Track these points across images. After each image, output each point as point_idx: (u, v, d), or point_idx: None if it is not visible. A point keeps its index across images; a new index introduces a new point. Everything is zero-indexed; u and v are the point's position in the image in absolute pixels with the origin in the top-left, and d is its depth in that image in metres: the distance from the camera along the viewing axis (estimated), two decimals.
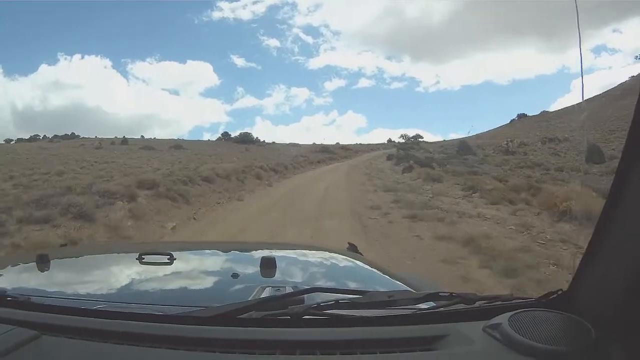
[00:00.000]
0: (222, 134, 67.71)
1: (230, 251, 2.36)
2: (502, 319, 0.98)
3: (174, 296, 1.48)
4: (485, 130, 71.86)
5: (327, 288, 1.31)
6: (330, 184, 20.01)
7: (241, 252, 2.35)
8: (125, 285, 1.58)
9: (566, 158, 37.81)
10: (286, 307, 1.08)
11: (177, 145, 50.40)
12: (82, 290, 1.52)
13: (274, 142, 68.25)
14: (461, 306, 1.14)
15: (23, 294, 1.19)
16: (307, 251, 2.39)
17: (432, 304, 1.19)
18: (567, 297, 1.06)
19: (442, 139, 69.33)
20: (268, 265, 1.56)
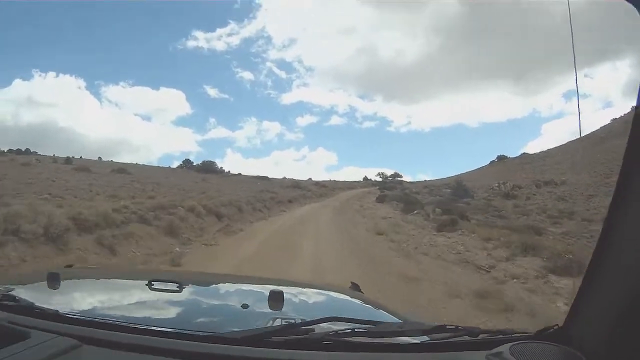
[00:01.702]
0: (183, 161, 62.01)
1: (237, 284, 2.40)
2: (504, 348, 1.04)
3: (185, 321, 1.48)
4: (464, 172, 68.49)
5: (344, 318, 1.25)
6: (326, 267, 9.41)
7: (249, 285, 2.34)
8: (132, 309, 1.59)
9: (576, 204, 33.12)
10: (307, 334, 1.12)
11: (120, 169, 43.17)
12: (97, 308, 1.56)
13: (240, 174, 60.91)
14: (465, 338, 1.17)
15: (50, 308, 1.23)
16: (312, 290, 2.36)
17: (439, 336, 1.19)
18: (562, 331, 1.12)
19: (416, 179, 65.53)
20: (276, 299, 1.54)
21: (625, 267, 0.95)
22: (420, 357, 1.09)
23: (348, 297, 2.08)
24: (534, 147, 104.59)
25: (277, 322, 1.31)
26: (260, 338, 1.09)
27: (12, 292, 1.40)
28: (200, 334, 1.13)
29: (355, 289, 2.34)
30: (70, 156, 47.73)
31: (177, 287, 1.67)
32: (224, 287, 2.28)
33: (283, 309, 1.53)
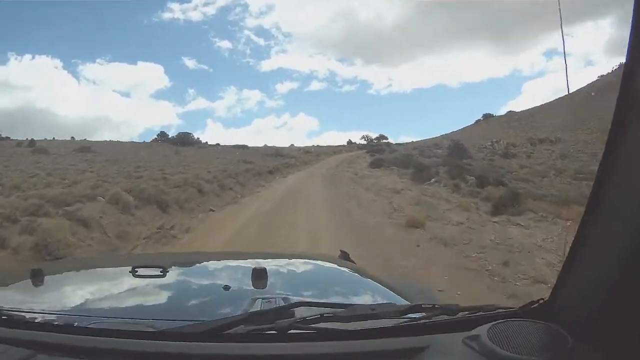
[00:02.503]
0: (157, 135, 58.00)
1: (222, 262, 2.29)
2: (482, 330, 0.98)
3: (166, 310, 1.44)
4: (450, 131, 66.08)
5: (312, 302, 1.22)
6: None
7: (235, 263, 2.24)
8: (118, 299, 1.55)
9: (585, 161, 30.98)
10: (273, 322, 1.05)
11: (84, 147, 39.01)
12: (76, 305, 1.50)
13: (218, 144, 56.68)
14: (443, 317, 1.13)
15: (18, 311, 1.18)
16: (299, 260, 2.33)
17: (415, 316, 1.16)
18: (547, 307, 1.07)
19: (399, 141, 63.16)
20: (259, 277, 1.53)
21: (613, 238, 0.89)
22: (392, 343, 1.00)
23: (337, 268, 2.05)
24: (515, 105, 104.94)
25: (258, 304, 1.28)
26: (219, 331, 1.02)
27: None
28: (155, 330, 1.06)
29: (344, 257, 2.32)
30: (44, 138, 46.11)
31: (161, 272, 1.62)
32: (208, 267, 2.18)
33: (267, 287, 1.51)
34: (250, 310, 1.21)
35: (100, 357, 0.96)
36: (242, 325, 1.04)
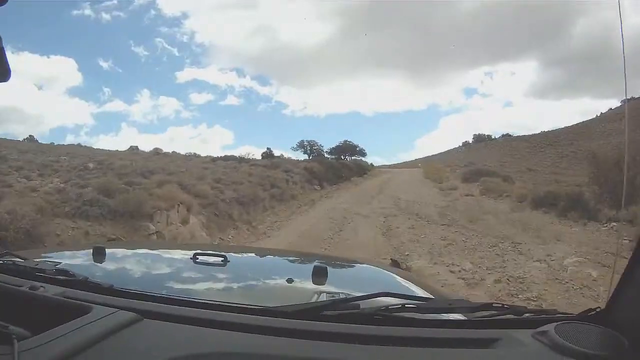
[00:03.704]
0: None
1: (282, 257, 2.39)
2: (549, 327, 1.04)
3: (231, 295, 1.48)
4: (431, 154, 63.24)
5: (395, 293, 1.25)
6: None
7: (292, 260, 2.35)
8: (182, 281, 1.58)
9: None
10: (358, 308, 1.12)
11: None
12: (146, 282, 1.57)
13: (79, 145, 43.89)
14: (511, 316, 1.18)
15: (104, 281, 1.23)
16: (355, 264, 2.39)
17: (485, 313, 1.21)
18: (605, 313, 1.12)
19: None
20: (320, 274, 1.55)
21: None
22: (467, 333, 1.09)
23: (390, 274, 2.05)
24: (430, 139, 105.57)
25: (323, 297, 1.33)
26: (315, 312, 1.11)
27: (63, 266, 1.39)
28: (257, 307, 1.13)
29: (395, 265, 2.46)
30: None
31: (222, 261, 1.67)
32: (268, 261, 2.26)
33: (327, 285, 1.53)
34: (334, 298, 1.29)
35: (203, 325, 0.99)
36: (331, 310, 1.11)
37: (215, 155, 31.50)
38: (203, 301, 1.15)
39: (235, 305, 1.14)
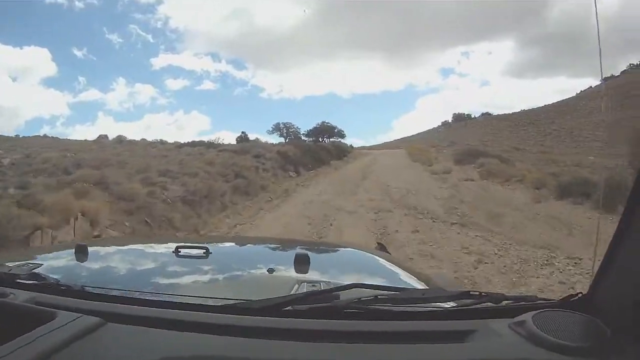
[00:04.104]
0: None
1: (264, 246, 2.37)
2: (526, 317, 1.00)
3: (212, 289, 1.47)
4: (410, 135, 61.44)
5: (366, 284, 1.22)
6: None
7: (275, 248, 2.31)
8: (164, 277, 1.58)
9: None
10: (329, 301, 1.09)
11: None
12: (126, 281, 1.52)
13: (45, 136, 40.27)
14: (488, 305, 1.16)
15: (75, 283, 1.20)
16: (339, 249, 2.38)
17: (461, 302, 1.19)
18: (586, 300, 1.08)
19: None
20: (302, 262, 1.52)
21: None
22: (442, 325, 1.05)
23: (375, 258, 2.01)
24: (408, 120, 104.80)
25: (303, 287, 1.29)
26: (280, 307, 1.06)
27: (39, 269, 1.35)
28: (219, 304, 1.10)
29: (381, 249, 2.34)
30: None
31: (204, 253, 1.64)
32: (251, 250, 2.22)
33: (309, 273, 1.50)
34: (296, 292, 1.24)
35: (165, 326, 0.96)
36: (299, 304, 1.07)
37: (188, 141, 28.82)
38: (168, 300, 1.13)
39: (200, 303, 1.10)
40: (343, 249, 2.35)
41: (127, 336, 0.93)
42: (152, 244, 2.25)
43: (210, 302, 1.12)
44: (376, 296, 1.10)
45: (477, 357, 0.94)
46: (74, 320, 0.92)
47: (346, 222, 9.82)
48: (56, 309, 0.97)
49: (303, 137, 41.49)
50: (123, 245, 2.32)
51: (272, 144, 30.32)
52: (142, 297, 1.16)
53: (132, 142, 30.50)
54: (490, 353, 0.95)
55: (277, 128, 43.50)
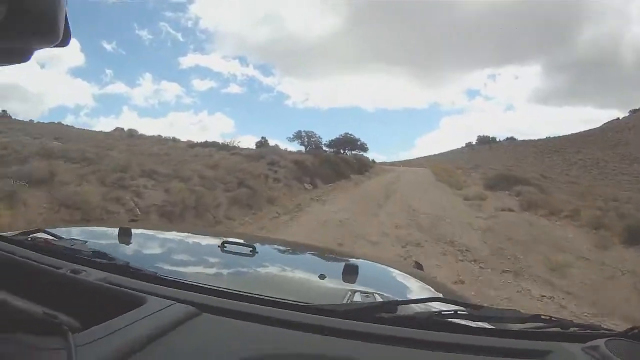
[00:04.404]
0: None
1: (311, 252, 2.32)
2: (599, 342, 1.00)
3: (261, 288, 1.33)
4: (432, 154, 60.02)
5: (447, 299, 1.30)
6: None
7: (321, 255, 2.26)
8: (210, 271, 1.54)
9: None
10: (412, 312, 1.11)
11: None
12: (186, 272, 1.46)
13: (60, 123, 37.80)
14: (558, 329, 1.16)
15: (149, 268, 1.20)
16: (384, 266, 2.25)
17: (533, 324, 1.18)
18: None
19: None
20: (351, 272, 1.53)
21: None
22: (519, 344, 1.03)
23: (416, 278, 1.93)
24: (431, 138, 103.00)
25: (357, 297, 1.28)
26: (367, 313, 1.07)
27: (98, 248, 1.30)
28: (313, 305, 1.07)
29: (418, 268, 2.32)
30: None
31: (250, 251, 1.62)
32: (296, 254, 2.22)
33: (356, 283, 1.47)
34: (351, 301, 1.24)
35: (259, 321, 0.95)
36: (385, 312, 1.08)
37: (201, 141, 27.16)
38: (256, 296, 1.09)
39: (292, 302, 1.08)
40: (386, 266, 2.20)
41: (223, 328, 0.92)
42: (196, 235, 2.24)
43: (300, 303, 1.08)
44: (456, 311, 1.12)
45: None
46: (168, 307, 0.90)
47: (367, 256, 7.82)
48: (144, 294, 0.95)
49: (324, 148, 40.14)
50: (165, 232, 2.27)
51: (291, 151, 28.62)
52: (229, 290, 1.12)
53: (143, 137, 28.92)
54: None
55: (298, 136, 41.76)
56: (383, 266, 2.19)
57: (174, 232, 2.28)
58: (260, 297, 1.09)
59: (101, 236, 1.82)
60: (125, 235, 1.61)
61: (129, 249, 1.59)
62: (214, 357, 0.83)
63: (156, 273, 1.15)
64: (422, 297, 1.21)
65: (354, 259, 2.05)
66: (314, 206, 14.00)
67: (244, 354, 0.82)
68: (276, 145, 31.03)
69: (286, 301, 1.09)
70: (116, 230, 1.65)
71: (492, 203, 15.79)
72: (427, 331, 1.02)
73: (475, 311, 1.16)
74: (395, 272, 2.03)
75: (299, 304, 1.08)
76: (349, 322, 1.00)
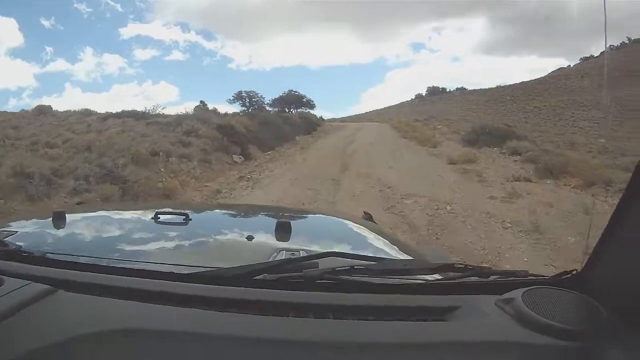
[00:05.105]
0: None
1: (245, 213, 2.25)
2: (515, 294, 0.91)
3: (188, 256, 1.39)
4: (381, 107, 56.79)
5: (342, 253, 1.14)
6: None
7: (257, 215, 2.22)
8: (140, 244, 1.50)
9: None
10: (301, 271, 1.01)
11: None
12: (97, 247, 1.43)
13: None
14: (475, 279, 1.08)
15: (38, 250, 1.15)
16: (323, 217, 2.29)
17: (446, 275, 1.14)
18: (580, 278, 0.99)
19: None
20: (283, 230, 1.48)
21: None
22: (422, 300, 0.95)
23: (361, 227, 1.88)
24: (377, 92, 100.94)
25: (282, 255, 1.23)
26: (250, 276, 0.98)
27: (11, 237, 1.30)
28: (185, 272, 1.00)
29: (368, 219, 2.17)
30: None
31: (183, 219, 1.58)
32: (231, 217, 2.11)
33: (290, 241, 1.45)
34: (276, 259, 1.19)
35: (123, 295, 0.89)
36: (270, 273, 1.01)
37: (119, 111, 21.79)
38: (126, 267, 1.07)
39: (161, 270, 1.02)
40: (328, 217, 2.23)
41: (78, 305, 0.87)
42: (134, 211, 2.19)
43: (178, 271, 1.02)
44: (352, 266, 1.02)
45: (459, 337, 0.85)
46: (21, 287, 0.87)
47: None
48: (6, 276, 0.91)
49: (268, 108, 36.08)
50: (103, 211, 2.20)
51: (225, 114, 23.23)
52: (102, 264, 1.07)
53: (55, 113, 22.75)
54: (473, 332, 0.86)
55: (239, 97, 37.29)
56: (325, 220, 2.13)
57: (112, 210, 2.16)
58: (131, 268, 1.04)
59: (32, 224, 1.76)
60: (58, 219, 1.53)
61: (51, 234, 1.52)
62: (55, 334, 0.77)
63: (45, 254, 1.10)
64: (314, 254, 1.07)
65: (294, 215, 2.08)
66: (239, 191, 8.94)
67: (84, 330, 0.77)
68: (214, 108, 25.83)
69: (162, 270, 1.01)
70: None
71: (491, 168, 11.19)
72: (314, 292, 0.95)
73: (374, 264, 1.06)
74: (337, 225, 1.94)
75: (175, 272, 1.00)
76: (227, 288, 0.93)
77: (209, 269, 1.02)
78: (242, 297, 0.90)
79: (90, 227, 1.69)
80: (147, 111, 19.18)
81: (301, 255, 1.20)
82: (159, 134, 12.88)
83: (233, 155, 13.23)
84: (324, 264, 1.03)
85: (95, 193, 6.78)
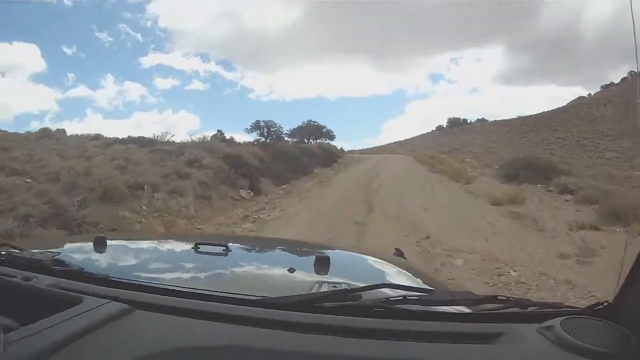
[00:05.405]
0: None
1: (283, 247, 2.32)
2: (554, 322, 0.96)
3: (231, 285, 1.36)
4: (402, 139, 55.86)
5: (394, 285, 1.22)
6: None
7: (294, 249, 2.22)
8: (184, 271, 1.52)
9: None
10: (357, 300, 1.05)
11: None
12: (145, 272, 1.47)
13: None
14: (516, 309, 1.09)
15: (100, 272, 1.19)
16: (357, 254, 2.29)
17: (490, 305, 1.14)
18: (612, 308, 1.04)
19: None
20: (322, 264, 1.47)
21: None
22: (470, 327, 0.99)
23: (393, 264, 1.89)
24: (397, 124, 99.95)
25: (324, 288, 1.24)
26: (311, 303, 1.03)
27: (61, 257, 1.32)
28: (251, 298, 1.05)
29: (399, 255, 2.20)
30: None
31: (223, 250, 1.59)
32: (270, 250, 2.19)
33: (329, 275, 1.43)
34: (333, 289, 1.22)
35: (197, 317, 0.94)
36: (329, 302, 1.04)
37: (126, 137, 20.96)
38: (197, 292, 1.08)
39: (230, 296, 1.06)
40: (362, 255, 2.20)
41: (156, 324, 0.91)
42: (171, 240, 2.25)
43: (241, 296, 1.06)
44: (404, 296, 1.06)
45: (507, 359, 0.91)
46: (101, 305, 0.91)
47: None
48: (83, 294, 0.95)
49: (287, 138, 35.89)
50: (142, 239, 2.28)
51: (239, 143, 22.10)
52: (168, 287, 1.11)
53: (58, 138, 21.78)
54: (518, 355, 0.91)
55: (257, 126, 36.57)
56: (361, 256, 2.15)
57: (149, 239, 2.25)
58: (199, 292, 1.07)
59: (74, 247, 1.82)
60: (99, 244, 1.58)
61: (97, 257, 1.56)
62: (138, 349, 0.81)
63: (107, 276, 1.13)
64: (369, 285, 1.09)
65: (330, 250, 2.09)
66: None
67: (166, 346, 0.82)
68: (231, 137, 24.93)
69: (226, 295, 1.05)
70: (91, 241, 1.62)
71: (544, 211, 9.44)
72: (370, 319, 0.98)
73: (425, 295, 1.10)
74: (372, 261, 1.98)
75: (241, 297, 1.05)
76: (288, 313, 0.97)
77: (273, 297, 1.05)
78: (307, 321, 0.94)
79: (134, 254, 1.73)
80: (156, 138, 18.21)
81: (343, 287, 1.21)
82: (157, 163, 11.55)
83: (240, 190, 11.74)
84: (375, 294, 1.06)
85: (33, 239, 5.26)
